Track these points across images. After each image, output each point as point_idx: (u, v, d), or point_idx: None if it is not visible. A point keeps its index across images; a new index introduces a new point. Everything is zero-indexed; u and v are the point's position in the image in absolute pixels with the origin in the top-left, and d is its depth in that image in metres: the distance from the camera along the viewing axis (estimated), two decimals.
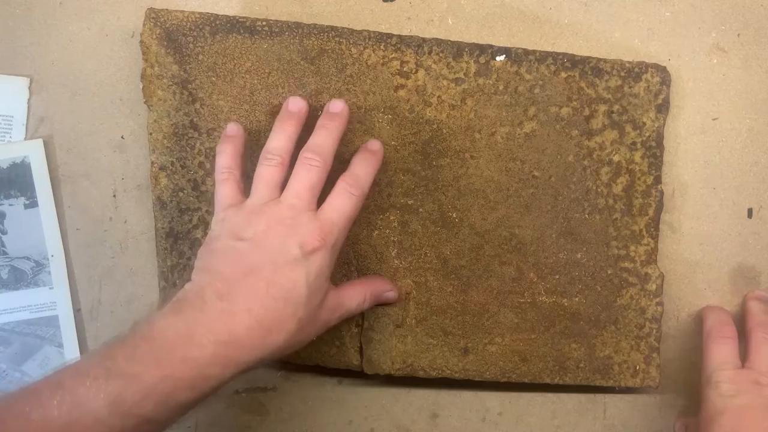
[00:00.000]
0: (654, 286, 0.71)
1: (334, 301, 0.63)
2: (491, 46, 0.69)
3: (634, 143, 0.70)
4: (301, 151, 0.62)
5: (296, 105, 0.65)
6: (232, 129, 0.66)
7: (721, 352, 0.67)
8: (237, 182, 0.64)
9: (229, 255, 0.59)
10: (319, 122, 0.64)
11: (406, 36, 0.68)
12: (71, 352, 0.73)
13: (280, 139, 0.63)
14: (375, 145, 0.67)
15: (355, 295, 0.66)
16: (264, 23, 0.68)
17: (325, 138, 0.63)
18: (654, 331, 0.71)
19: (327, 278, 0.61)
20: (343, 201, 0.62)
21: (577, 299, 0.71)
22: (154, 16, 0.67)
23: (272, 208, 0.60)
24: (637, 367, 0.71)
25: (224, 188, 0.63)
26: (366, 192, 0.64)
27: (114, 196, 0.73)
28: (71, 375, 0.53)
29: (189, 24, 0.67)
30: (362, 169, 0.64)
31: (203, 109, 0.68)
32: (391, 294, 0.69)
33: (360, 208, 0.64)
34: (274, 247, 0.59)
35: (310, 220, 0.60)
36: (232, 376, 0.56)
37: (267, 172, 0.62)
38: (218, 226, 0.62)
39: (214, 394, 0.57)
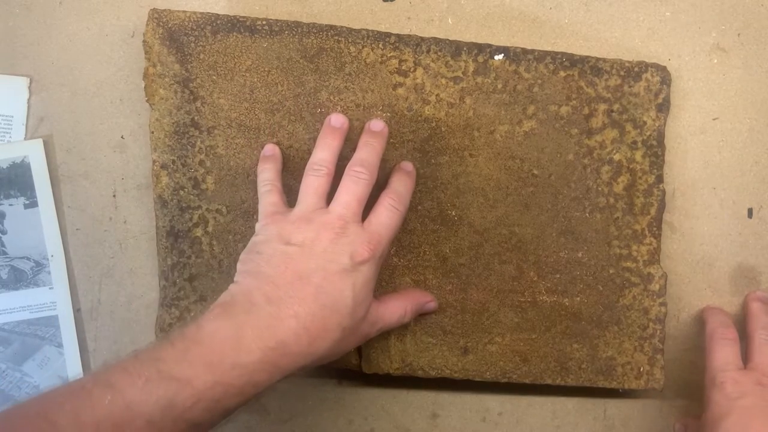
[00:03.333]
0: (657, 287, 0.71)
1: (375, 315, 0.63)
2: (489, 46, 0.69)
3: (634, 142, 0.70)
4: (348, 165, 0.63)
5: (338, 121, 0.66)
6: (270, 149, 0.68)
7: (724, 354, 0.67)
8: (280, 193, 0.65)
9: (278, 259, 0.59)
10: (363, 139, 0.66)
11: (404, 35, 0.68)
12: (71, 352, 0.73)
13: (325, 152, 0.64)
14: (409, 166, 0.68)
15: (396, 309, 0.66)
16: (264, 22, 0.68)
17: (369, 153, 0.64)
18: (658, 332, 0.71)
19: (371, 291, 0.62)
20: (388, 215, 0.63)
21: (578, 299, 0.71)
22: (156, 16, 0.68)
23: (321, 216, 0.61)
24: (641, 369, 0.71)
25: (269, 197, 0.65)
26: (407, 209, 0.65)
27: (114, 196, 0.73)
28: (121, 375, 0.52)
29: (191, 24, 0.68)
30: (403, 187, 0.66)
31: (204, 107, 0.68)
32: (431, 305, 0.70)
33: (401, 224, 0.65)
34: (324, 254, 0.59)
35: (358, 231, 0.61)
36: (275, 382, 0.56)
37: (315, 181, 0.63)
38: (266, 231, 0.62)
39: (255, 399, 0.56)
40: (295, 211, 0.62)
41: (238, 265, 0.61)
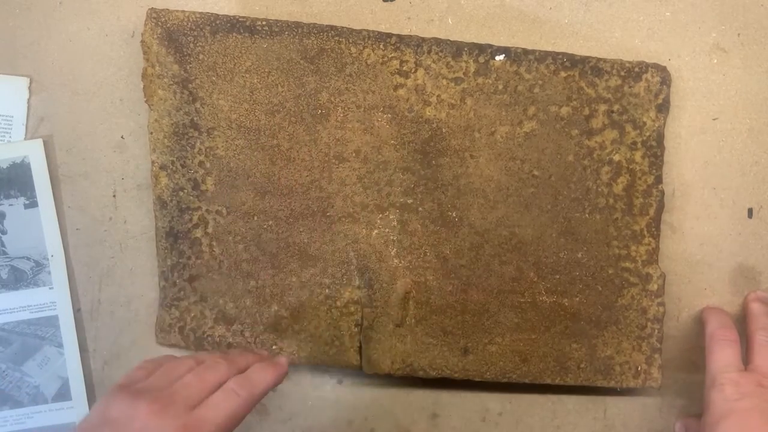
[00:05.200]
0: (655, 287, 0.71)
1: None
2: (490, 46, 0.69)
3: (634, 143, 0.70)
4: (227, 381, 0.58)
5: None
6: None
7: (724, 355, 0.67)
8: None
9: None
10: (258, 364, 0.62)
11: (405, 35, 0.68)
12: (71, 352, 0.73)
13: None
14: (282, 359, 0.64)
15: None
16: (264, 23, 0.68)
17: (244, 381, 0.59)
18: (656, 331, 0.71)
19: None
20: (224, 399, 0.56)
21: (577, 299, 0.71)
22: (155, 16, 0.67)
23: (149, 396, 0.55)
24: (639, 368, 0.71)
25: None
26: (256, 397, 0.58)
27: (114, 196, 0.73)
28: None
29: (189, 24, 0.68)
30: (258, 374, 0.60)
31: (203, 108, 0.68)
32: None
33: (246, 413, 0.57)
34: None
35: (176, 414, 0.53)
36: None
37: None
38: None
39: None
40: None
41: None
